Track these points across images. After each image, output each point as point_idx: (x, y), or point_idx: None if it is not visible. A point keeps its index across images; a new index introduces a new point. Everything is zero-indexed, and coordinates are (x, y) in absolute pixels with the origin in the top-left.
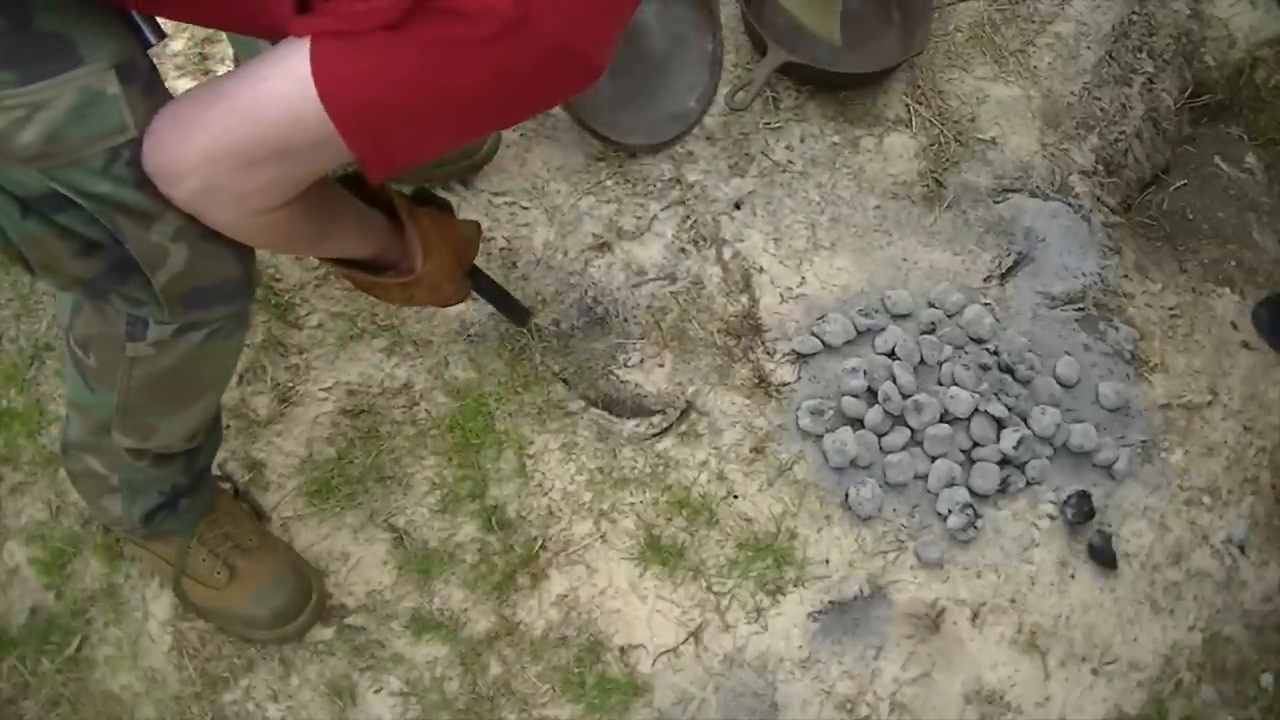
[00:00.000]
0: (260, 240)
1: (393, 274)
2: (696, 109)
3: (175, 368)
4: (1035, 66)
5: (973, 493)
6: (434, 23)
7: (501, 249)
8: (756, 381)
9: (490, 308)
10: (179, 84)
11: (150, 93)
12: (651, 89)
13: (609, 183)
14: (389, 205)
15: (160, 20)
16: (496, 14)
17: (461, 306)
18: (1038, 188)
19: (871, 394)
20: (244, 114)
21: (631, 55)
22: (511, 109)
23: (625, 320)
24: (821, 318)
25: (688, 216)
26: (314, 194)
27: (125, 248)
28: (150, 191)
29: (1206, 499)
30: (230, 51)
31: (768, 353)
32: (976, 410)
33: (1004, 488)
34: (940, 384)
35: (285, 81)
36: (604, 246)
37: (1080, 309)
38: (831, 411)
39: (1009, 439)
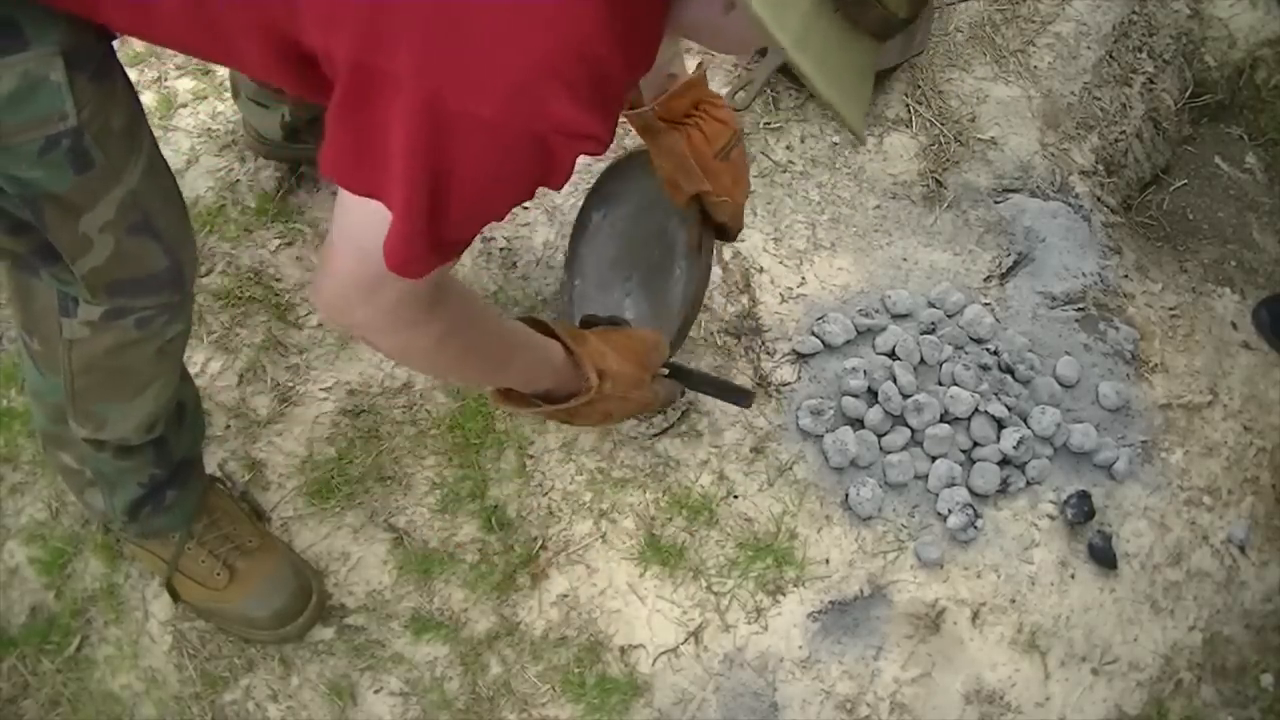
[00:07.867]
0: (435, 365)
1: (576, 400)
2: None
3: (112, 352)
4: (1035, 66)
5: (973, 493)
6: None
7: (502, 249)
8: (757, 381)
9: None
10: (179, 84)
11: (100, 81)
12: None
13: None
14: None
15: None
16: None
17: None
18: (1038, 188)
19: (871, 394)
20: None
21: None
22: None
23: None
24: (821, 318)
25: None
26: (483, 323)
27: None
28: (85, 181)
29: (1206, 499)
30: None
31: (768, 352)
32: (976, 410)
33: (1004, 488)
34: (940, 384)
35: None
36: None
37: (1080, 309)
38: (831, 411)
39: (1009, 439)
